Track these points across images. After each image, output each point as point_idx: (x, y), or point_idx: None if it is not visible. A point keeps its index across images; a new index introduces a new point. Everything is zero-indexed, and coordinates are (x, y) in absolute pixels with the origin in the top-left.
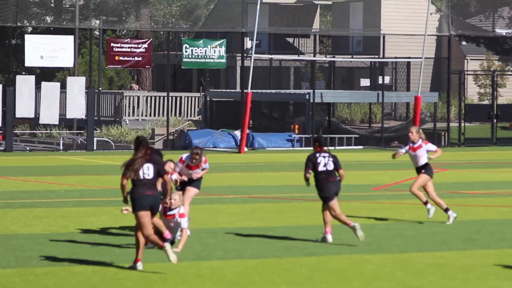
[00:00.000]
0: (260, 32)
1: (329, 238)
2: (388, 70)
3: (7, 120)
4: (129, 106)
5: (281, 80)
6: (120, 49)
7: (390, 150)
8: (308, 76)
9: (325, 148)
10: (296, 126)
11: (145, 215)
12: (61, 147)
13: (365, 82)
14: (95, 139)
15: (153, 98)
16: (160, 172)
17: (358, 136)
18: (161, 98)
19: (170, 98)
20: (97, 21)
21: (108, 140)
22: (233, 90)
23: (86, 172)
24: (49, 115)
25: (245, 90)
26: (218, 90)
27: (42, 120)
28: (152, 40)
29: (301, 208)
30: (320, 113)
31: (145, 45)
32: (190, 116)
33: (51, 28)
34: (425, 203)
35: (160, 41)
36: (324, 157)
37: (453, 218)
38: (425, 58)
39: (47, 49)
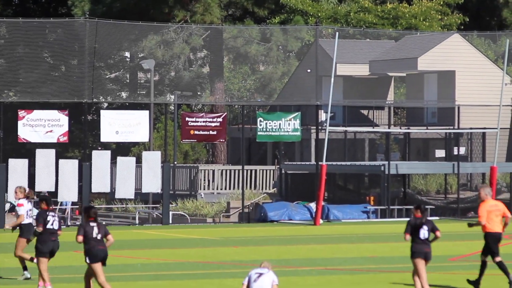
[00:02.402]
0: (334, 105)
1: None
2: (464, 140)
3: (83, 195)
4: (204, 180)
5: (356, 152)
6: (195, 123)
7: (466, 220)
8: (383, 148)
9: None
10: (372, 198)
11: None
12: (137, 221)
13: (440, 153)
14: (170, 212)
15: (228, 171)
16: None
17: (434, 207)
18: (236, 171)
19: (245, 171)
20: (172, 96)
21: (184, 213)
22: (308, 163)
23: (162, 246)
24: (125, 190)
25: (320, 163)
26: (293, 163)
27: (118, 195)
28: (226, 114)
29: (377, 279)
30: (396, 185)
31: (220, 119)
32: (265, 189)
33: (127, 104)
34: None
35: (234, 114)
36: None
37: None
38: (501, 128)
39: (122, 124)
